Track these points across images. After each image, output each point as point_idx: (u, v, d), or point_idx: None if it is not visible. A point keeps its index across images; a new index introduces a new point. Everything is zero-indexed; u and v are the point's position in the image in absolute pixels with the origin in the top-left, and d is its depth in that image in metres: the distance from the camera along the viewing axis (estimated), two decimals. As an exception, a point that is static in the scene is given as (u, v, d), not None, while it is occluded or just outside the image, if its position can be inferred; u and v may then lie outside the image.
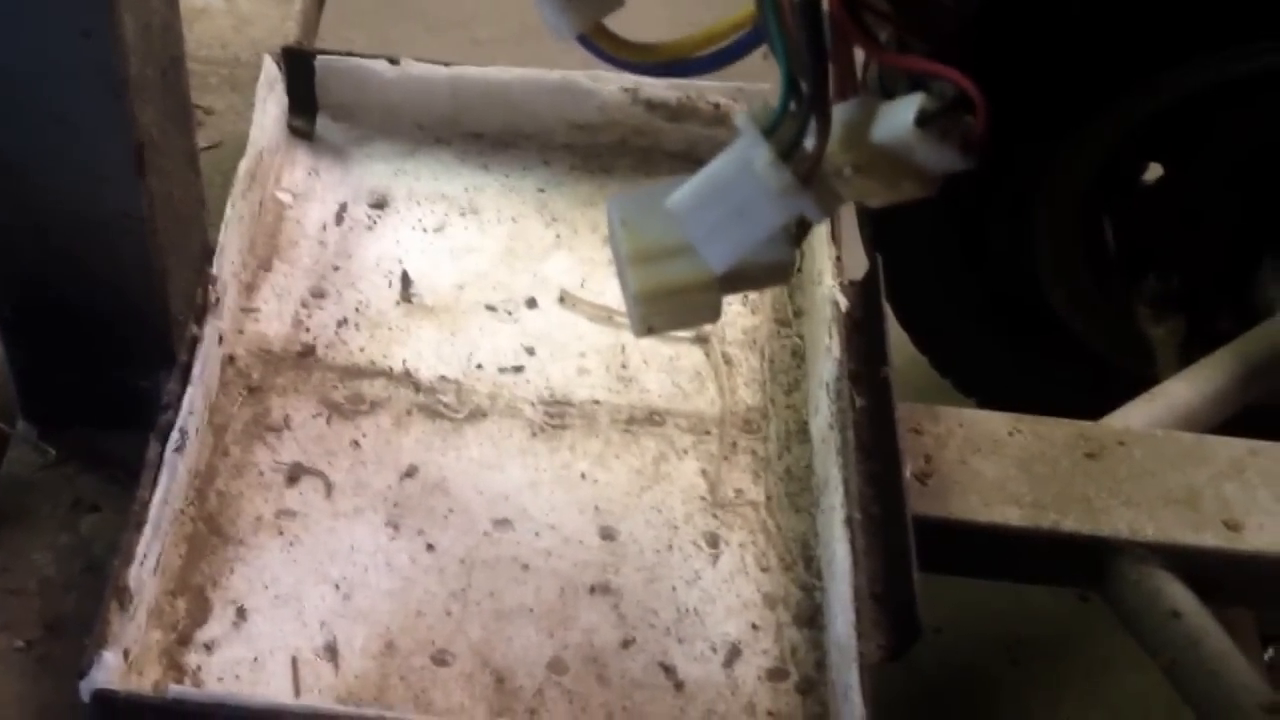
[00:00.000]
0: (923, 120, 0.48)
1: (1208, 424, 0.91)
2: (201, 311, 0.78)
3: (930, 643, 1.22)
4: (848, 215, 0.89)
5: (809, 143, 0.50)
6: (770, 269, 0.56)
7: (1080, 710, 1.21)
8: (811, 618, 0.76)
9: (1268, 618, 1.00)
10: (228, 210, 0.82)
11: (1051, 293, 1.16)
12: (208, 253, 0.80)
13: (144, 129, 0.67)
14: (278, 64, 0.91)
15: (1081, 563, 0.82)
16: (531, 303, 0.88)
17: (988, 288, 1.15)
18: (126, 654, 0.68)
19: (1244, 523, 0.81)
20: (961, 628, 1.24)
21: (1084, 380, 1.14)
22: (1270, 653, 1.08)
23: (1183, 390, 0.93)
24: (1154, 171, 1.19)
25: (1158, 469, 0.83)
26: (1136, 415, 0.90)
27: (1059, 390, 1.14)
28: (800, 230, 0.56)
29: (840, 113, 0.50)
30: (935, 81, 0.48)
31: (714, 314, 0.57)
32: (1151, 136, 1.13)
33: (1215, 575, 0.81)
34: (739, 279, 0.56)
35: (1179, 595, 0.80)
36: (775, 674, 0.74)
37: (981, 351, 1.18)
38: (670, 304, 0.56)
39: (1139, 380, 1.02)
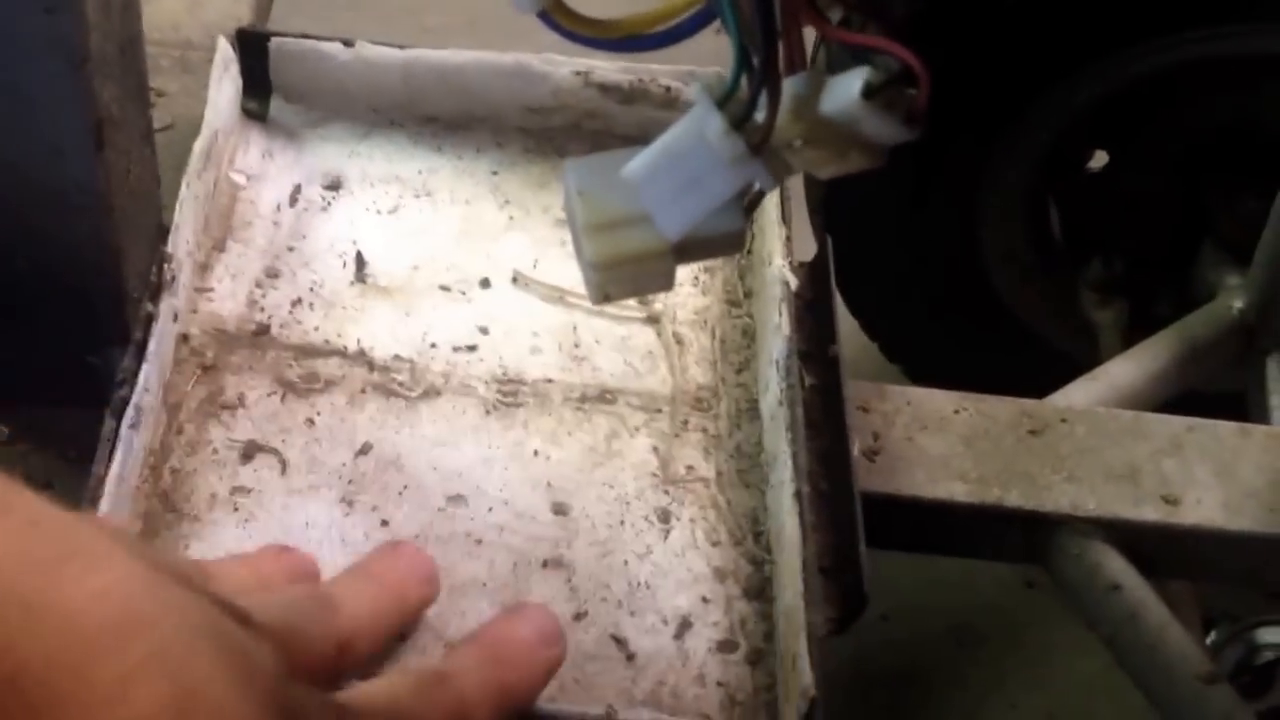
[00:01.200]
0: (868, 93, 0.51)
1: (1148, 403, 0.95)
2: (156, 289, 0.80)
3: (878, 629, 1.26)
4: (798, 198, 0.93)
5: (760, 114, 0.53)
6: (723, 239, 0.58)
7: (1025, 693, 1.25)
8: (761, 590, 0.79)
9: (1210, 597, 1.05)
10: (183, 190, 0.83)
11: (997, 278, 1.20)
12: (163, 231, 0.82)
13: (104, 105, 0.69)
14: (232, 45, 0.92)
15: (1025, 537, 0.85)
16: (485, 283, 0.91)
17: (934, 272, 1.19)
18: (82, 626, 0.70)
19: (1182, 497, 0.85)
20: (909, 614, 1.28)
21: (1029, 365, 1.19)
22: (1214, 635, 1.13)
23: (1124, 370, 0.97)
24: (1100, 159, 1.24)
25: (1099, 445, 0.87)
26: (1079, 394, 0.94)
27: (1004, 375, 1.18)
28: (753, 202, 0.59)
29: (790, 85, 0.53)
30: (879, 55, 0.51)
31: (668, 282, 0.60)
32: (1095, 123, 1.18)
33: (1154, 549, 0.85)
34: (693, 248, 0.58)
35: (1119, 569, 0.84)
36: (725, 645, 0.77)
37: (928, 337, 1.22)
38: (625, 272, 0.58)
39: (1081, 364, 1.07)
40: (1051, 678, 1.26)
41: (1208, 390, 1.07)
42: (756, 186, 0.58)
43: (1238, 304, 1.06)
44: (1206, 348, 1.03)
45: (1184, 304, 1.12)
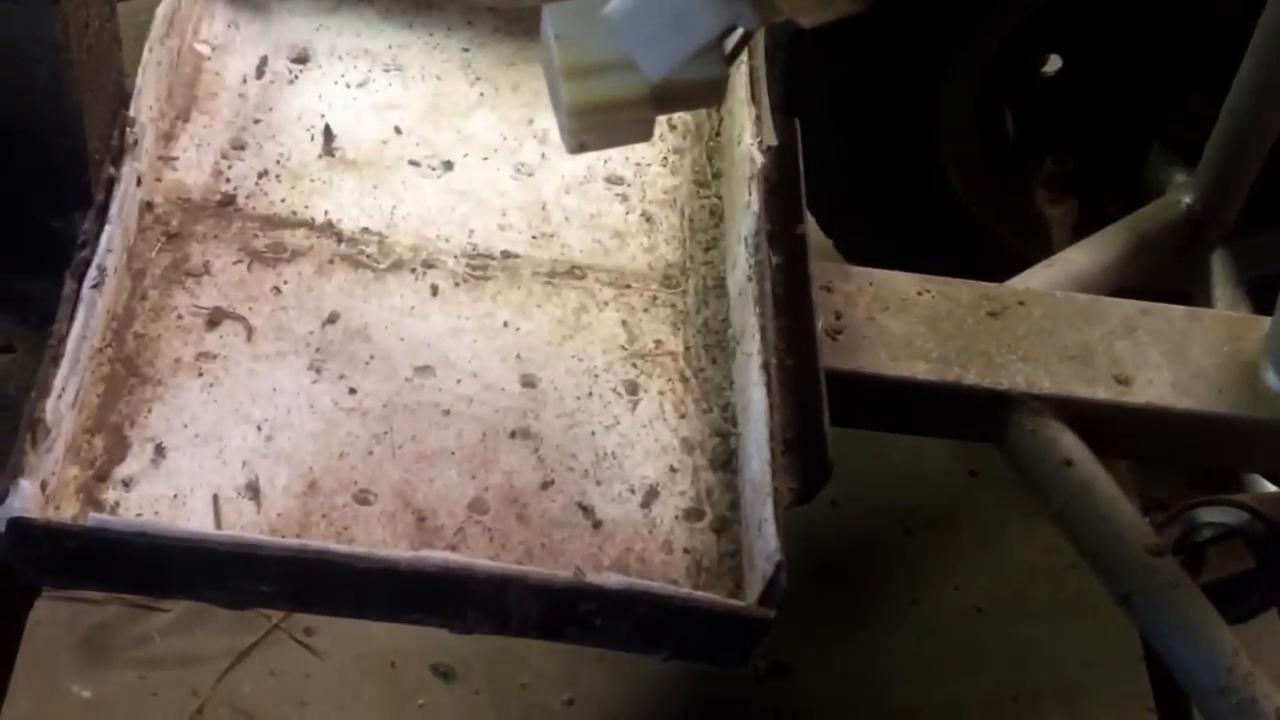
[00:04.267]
0: (860, -76, 0.46)
1: (1101, 289, 0.92)
2: (118, 153, 0.74)
3: (829, 514, 1.24)
4: (768, 80, 0.87)
5: (746, -51, 0.48)
6: (703, 87, 0.53)
7: (967, 575, 1.23)
8: (726, 461, 0.75)
9: (1148, 477, 1.02)
10: (145, 54, 0.77)
11: (952, 176, 1.16)
12: (124, 95, 0.76)
13: (57, -53, 0.62)
14: (195, -89, 0.85)
15: (982, 415, 0.82)
16: (455, 159, 0.85)
17: (891, 169, 1.15)
18: (44, 486, 0.65)
19: (1134, 378, 0.82)
20: (859, 502, 1.25)
21: (975, 260, 1.15)
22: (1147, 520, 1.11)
23: (1079, 258, 0.94)
24: (1054, 64, 1.20)
25: (1054, 327, 0.84)
26: (1036, 279, 0.90)
27: (952, 268, 1.14)
28: (734, 49, 0.54)
29: (778, -81, 0.48)
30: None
31: (645, 132, 0.55)
32: (1048, 27, 1.13)
33: (1106, 426, 0.82)
34: (671, 97, 0.53)
35: (1071, 445, 0.81)
36: (691, 514, 0.73)
37: (882, 230, 1.17)
38: (602, 119, 0.53)
39: (1028, 260, 1.03)
40: (992, 561, 1.24)
41: (1152, 287, 1.04)
42: (738, 32, 0.53)
43: (1186, 199, 1.02)
44: (1156, 239, 0.99)
45: (1131, 202, 1.08)
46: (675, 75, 0.52)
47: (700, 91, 0.54)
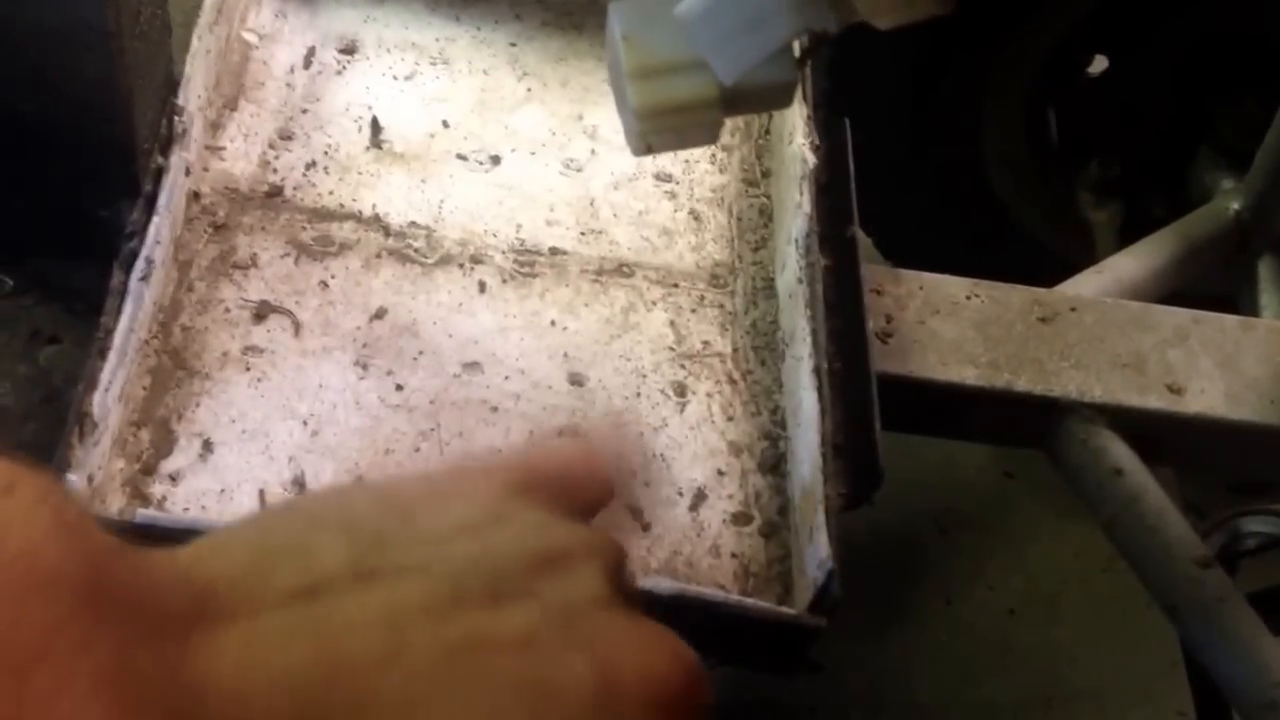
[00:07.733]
0: (948, -77, 0.44)
1: (1150, 296, 0.89)
2: (167, 142, 0.72)
3: (863, 514, 1.21)
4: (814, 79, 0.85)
5: (826, -52, 0.46)
6: (773, 90, 0.51)
7: (1002, 576, 1.21)
8: (775, 465, 0.73)
9: (1187, 482, 1.00)
10: (194, 42, 0.75)
11: (995, 178, 1.13)
12: (173, 83, 0.74)
13: (112, -66, 0.60)
14: (245, -101, 0.83)
15: (1031, 421, 0.79)
16: (503, 154, 0.83)
17: (934, 170, 1.12)
18: (90, 480, 0.63)
19: (1186, 386, 0.80)
20: (893, 501, 1.22)
21: (1019, 262, 1.12)
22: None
23: (1128, 264, 0.91)
24: (1100, 65, 1.17)
25: (1106, 335, 0.81)
26: (1086, 285, 0.88)
27: (994, 272, 1.12)
28: (806, 51, 0.51)
29: (860, -83, 0.46)
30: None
31: (713, 135, 0.52)
32: (1096, 28, 1.10)
33: (1157, 436, 0.79)
34: (741, 99, 0.51)
35: (1122, 454, 0.78)
36: (739, 518, 0.71)
37: (924, 234, 1.15)
38: (670, 122, 0.51)
39: (1071, 263, 1.00)
40: (1027, 563, 1.21)
41: (1195, 292, 1.01)
42: (809, 36, 0.50)
43: (1234, 206, 0.99)
44: (1204, 246, 0.96)
45: (1177, 206, 1.05)
46: (747, 78, 0.50)
47: (771, 94, 0.51)
